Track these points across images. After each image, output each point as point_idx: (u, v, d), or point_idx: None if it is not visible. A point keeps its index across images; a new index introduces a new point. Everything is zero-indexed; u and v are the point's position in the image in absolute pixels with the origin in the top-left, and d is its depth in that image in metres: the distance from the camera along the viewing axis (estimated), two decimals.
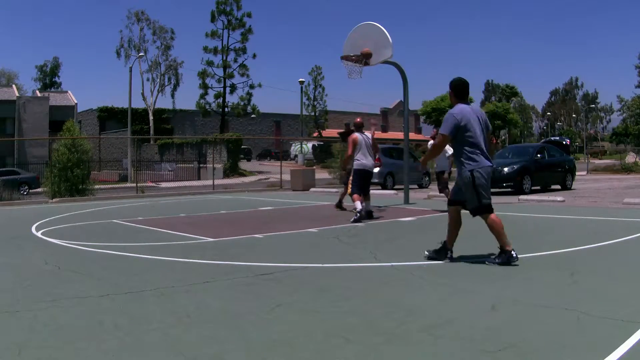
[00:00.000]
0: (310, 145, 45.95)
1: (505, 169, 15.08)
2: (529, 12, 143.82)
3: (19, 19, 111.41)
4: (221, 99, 42.60)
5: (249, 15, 42.19)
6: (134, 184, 21.94)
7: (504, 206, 11.25)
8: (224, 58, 42.04)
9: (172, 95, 53.07)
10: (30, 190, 24.36)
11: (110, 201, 16.14)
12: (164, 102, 58.04)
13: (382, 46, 11.55)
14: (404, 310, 3.64)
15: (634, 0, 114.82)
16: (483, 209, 5.21)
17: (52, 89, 63.88)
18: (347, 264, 5.33)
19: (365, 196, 9.22)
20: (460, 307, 3.71)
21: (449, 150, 9.64)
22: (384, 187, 17.95)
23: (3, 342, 3.11)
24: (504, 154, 17.53)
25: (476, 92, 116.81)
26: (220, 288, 4.44)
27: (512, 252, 5.03)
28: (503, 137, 71.27)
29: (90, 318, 3.60)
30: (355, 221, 8.62)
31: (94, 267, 5.44)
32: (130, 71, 37.19)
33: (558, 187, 16.63)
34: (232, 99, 43.21)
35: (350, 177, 9.45)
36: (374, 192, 11.38)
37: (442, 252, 5.42)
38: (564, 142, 23.31)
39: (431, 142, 10.49)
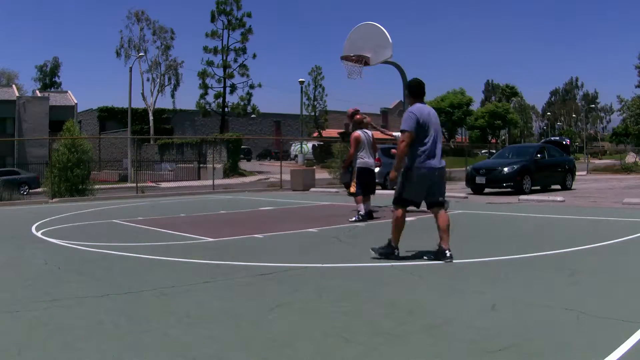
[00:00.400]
0: (310, 145, 45.94)
1: (505, 169, 15.07)
2: (529, 12, 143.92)
3: (19, 19, 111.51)
4: (221, 99, 42.62)
5: (249, 15, 42.24)
6: (134, 184, 21.93)
7: (504, 206, 11.26)
8: (224, 58, 42.05)
9: (172, 95, 53.03)
10: (30, 190, 24.37)
11: (110, 201, 16.14)
12: (164, 102, 58.01)
13: (382, 46, 11.54)
14: (404, 310, 3.64)
15: (634, 0, 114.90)
16: (398, 201, 5.48)
17: (52, 89, 63.85)
18: (347, 264, 5.33)
19: (367, 196, 9.17)
20: (460, 307, 3.71)
21: None
22: (384, 187, 17.94)
23: (3, 342, 3.11)
24: (504, 154, 17.53)
25: (476, 92, 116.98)
26: (220, 288, 4.44)
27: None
28: (503, 137, 71.23)
29: (90, 318, 3.60)
30: (355, 221, 8.61)
31: (94, 267, 5.44)
32: (130, 71, 37.19)
33: (558, 187, 16.62)
34: (232, 99, 43.26)
35: (354, 178, 9.35)
36: None
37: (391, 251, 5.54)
38: (564, 142, 23.24)
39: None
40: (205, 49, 41.88)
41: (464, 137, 72.23)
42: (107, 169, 37.95)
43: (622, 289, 4.16)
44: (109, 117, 56.21)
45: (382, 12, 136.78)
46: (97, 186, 19.43)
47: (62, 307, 3.89)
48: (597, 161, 47.00)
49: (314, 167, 28.42)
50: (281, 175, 21.68)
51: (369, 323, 3.37)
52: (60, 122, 22.23)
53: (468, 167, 17.69)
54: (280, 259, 5.60)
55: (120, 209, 12.92)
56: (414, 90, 5.58)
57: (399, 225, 5.46)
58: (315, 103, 50.63)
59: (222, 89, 42.60)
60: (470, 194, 15.15)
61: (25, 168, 32.06)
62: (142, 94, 49.25)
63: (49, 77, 73.82)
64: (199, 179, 33.18)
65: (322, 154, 38.69)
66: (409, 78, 12.65)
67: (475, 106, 67.91)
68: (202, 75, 42.14)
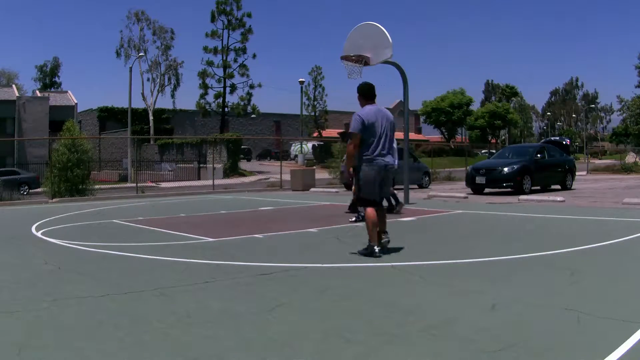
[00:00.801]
0: (310, 145, 45.94)
1: (505, 169, 15.08)
2: (529, 12, 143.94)
3: (19, 19, 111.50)
4: (221, 99, 42.62)
5: (249, 15, 42.25)
6: (134, 184, 21.94)
7: (504, 206, 11.26)
8: (224, 58, 42.06)
9: (172, 95, 53.03)
10: (30, 190, 24.36)
11: (110, 201, 16.14)
12: (164, 102, 58.06)
13: (382, 46, 11.54)
14: (404, 310, 3.64)
15: (634, 0, 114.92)
16: (361, 202, 5.78)
17: (52, 89, 63.83)
18: (347, 264, 5.33)
19: None
20: (460, 307, 3.71)
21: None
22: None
23: (3, 342, 3.11)
24: (504, 154, 17.53)
25: (476, 92, 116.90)
26: (220, 288, 4.44)
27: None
28: (503, 137, 71.23)
29: (90, 318, 3.60)
30: (355, 221, 8.62)
31: (94, 267, 5.44)
32: (130, 71, 37.19)
33: (558, 187, 16.63)
34: (232, 99, 43.25)
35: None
36: None
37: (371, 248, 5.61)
38: (564, 142, 23.23)
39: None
40: (205, 49, 41.90)
41: (464, 137, 72.24)
42: (107, 169, 37.96)
43: (622, 289, 4.16)
44: (109, 117, 56.21)
45: (382, 12, 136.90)
46: (97, 186, 19.44)
47: (62, 307, 3.89)
48: (597, 161, 47.04)
49: (314, 167, 28.42)
50: (281, 175, 21.68)
51: (369, 323, 3.37)
52: (60, 122, 22.22)
53: (468, 167, 17.71)
54: (280, 259, 5.60)
55: (120, 209, 12.92)
56: (365, 93, 5.87)
57: (373, 223, 5.56)
58: (315, 103, 50.68)
59: (222, 89, 42.61)
60: (470, 194, 15.16)
61: (25, 168, 32.05)
62: (142, 94, 49.27)
63: (49, 77, 73.78)
64: (199, 179, 33.18)
65: (322, 154, 38.70)
66: (409, 78, 12.73)
67: (475, 106, 67.89)
68: (202, 75, 42.15)
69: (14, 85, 52.44)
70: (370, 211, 5.60)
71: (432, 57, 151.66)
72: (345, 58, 11.84)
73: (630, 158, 36.60)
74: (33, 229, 8.69)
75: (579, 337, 3.05)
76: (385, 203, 9.46)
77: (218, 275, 4.87)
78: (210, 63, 42.07)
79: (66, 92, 53.40)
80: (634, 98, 64.36)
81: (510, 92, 76.68)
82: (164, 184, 29.07)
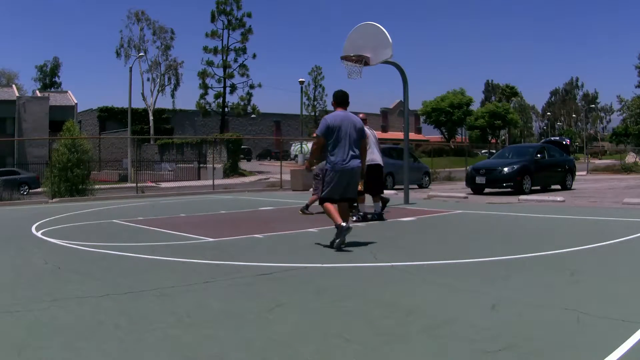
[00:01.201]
0: (310, 145, 45.91)
1: (505, 169, 15.08)
2: (529, 12, 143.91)
3: (19, 19, 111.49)
4: (221, 99, 42.65)
5: (249, 15, 42.29)
6: (134, 184, 21.94)
7: (504, 206, 11.26)
8: (224, 58, 42.09)
9: (172, 95, 53.11)
10: (30, 190, 24.37)
11: (110, 201, 16.13)
12: (164, 102, 58.12)
13: (382, 46, 11.54)
14: (404, 310, 3.64)
15: (634, 0, 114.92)
16: (322, 200, 6.23)
17: (52, 89, 63.84)
18: (347, 264, 5.33)
19: (377, 195, 9.07)
20: (460, 307, 3.71)
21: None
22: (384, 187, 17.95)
23: (3, 342, 3.11)
24: (504, 154, 17.53)
25: (476, 92, 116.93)
26: (220, 288, 4.44)
27: (342, 224, 5.92)
28: (503, 137, 71.22)
29: (90, 318, 3.60)
30: (357, 221, 8.56)
31: (94, 267, 5.44)
32: (130, 71, 37.21)
33: (558, 187, 16.63)
34: (232, 99, 43.30)
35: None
36: None
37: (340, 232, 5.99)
38: (564, 142, 23.27)
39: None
40: (205, 49, 41.92)
41: (464, 137, 72.25)
42: (107, 169, 37.95)
43: (622, 289, 4.16)
44: (109, 117, 56.25)
45: (382, 12, 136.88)
46: (97, 186, 19.44)
47: (62, 307, 3.88)
48: (597, 161, 47.02)
49: (314, 167, 28.38)
50: (281, 175, 21.69)
51: (369, 323, 3.37)
52: (60, 122, 22.21)
53: (468, 167, 17.71)
54: (280, 259, 5.60)
55: (120, 209, 12.92)
56: (337, 99, 6.49)
57: (332, 208, 6.08)
58: (315, 103, 50.77)
59: (222, 89, 42.64)
60: (470, 194, 15.16)
61: (25, 168, 32.05)
62: (142, 94, 49.34)
63: (49, 77, 73.82)
64: (199, 179, 33.19)
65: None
66: (409, 78, 12.77)
67: (475, 106, 67.90)
68: (202, 75, 42.18)
69: (14, 85, 52.45)
70: (328, 205, 6.13)
71: (432, 57, 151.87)
72: (345, 58, 11.84)
73: (630, 158, 36.59)
74: (33, 229, 8.68)
75: (579, 337, 3.05)
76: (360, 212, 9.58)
77: (218, 275, 4.87)
78: (210, 63, 42.11)
79: (66, 92, 53.40)
80: (634, 98, 64.41)
81: (510, 92, 76.69)
82: (164, 184, 29.08)
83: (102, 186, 22.68)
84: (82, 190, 17.26)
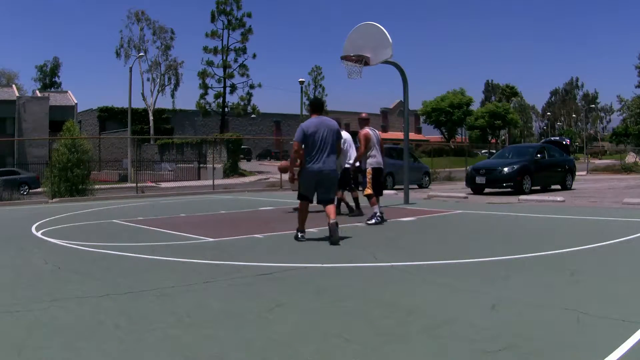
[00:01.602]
0: None
1: (505, 169, 15.08)
2: (529, 12, 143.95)
3: (19, 19, 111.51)
4: (221, 99, 42.65)
5: (249, 15, 42.29)
6: (134, 184, 21.95)
7: (504, 206, 11.26)
8: (224, 58, 42.09)
9: (172, 95, 53.13)
10: (30, 190, 24.36)
11: (110, 201, 16.14)
12: (164, 102, 58.13)
13: (382, 46, 11.53)
14: (404, 310, 3.64)
15: (634, 0, 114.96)
16: (299, 196, 6.82)
17: (52, 89, 63.83)
18: (347, 264, 5.33)
19: (377, 196, 9.02)
20: (460, 307, 3.71)
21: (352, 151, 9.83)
22: (384, 187, 17.94)
23: (3, 342, 3.11)
24: (504, 154, 17.53)
25: (476, 92, 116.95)
26: (220, 288, 4.44)
27: (298, 234, 6.76)
28: (503, 137, 71.23)
29: (90, 318, 3.60)
30: (375, 224, 8.36)
31: (94, 267, 5.44)
32: (130, 71, 37.19)
33: (558, 187, 16.63)
34: (232, 99, 43.31)
35: (368, 177, 8.80)
36: None
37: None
38: (564, 142, 23.28)
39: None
40: (205, 49, 41.92)
41: (464, 137, 72.25)
42: (107, 169, 37.95)
43: (622, 289, 4.16)
44: (109, 117, 56.25)
45: (382, 12, 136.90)
46: (97, 186, 19.45)
47: (62, 307, 3.88)
48: (597, 161, 47.01)
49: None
50: (281, 175, 21.67)
51: (369, 323, 3.37)
52: (60, 122, 22.21)
53: (468, 167, 17.72)
54: (280, 259, 5.60)
55: (120, 209, 12.92)
56: (312, 106, 7.05)
57: (302, 214, 6.78)
58: None
59: (222, 89, 42.65)
60: (470, 194, 15.16)
61: (25, 168, 32.03)
62: (142, 94, 49.34)
63: (49, 77, 73.81)
64: (199, 179, 33.19)
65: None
66: (409, 78, 12.76)
67: (475, 106, 67.91)
68: (202, 75, 42.18)
69: (14, 85, 52.44)
70: (300, 204, 6.77)
71: (432, 57, 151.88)
72: (345, 58, 11.83)
73: (630, 158, 36.59)
74: (33, 229, 8.68)
75: (579, 337, 3.05)
76: (345, 209, 9.76)
77: (218, 275, 4.87)
78: (210, 63, 42.12)
79: (66, 92, 53.40)
80: (634, 98, 64.42)
81: (510, 92, 76.74)
82: (164, 184, 29.08)
83: (102, 186, 22.69)
84: (82, 190, 17.26)
